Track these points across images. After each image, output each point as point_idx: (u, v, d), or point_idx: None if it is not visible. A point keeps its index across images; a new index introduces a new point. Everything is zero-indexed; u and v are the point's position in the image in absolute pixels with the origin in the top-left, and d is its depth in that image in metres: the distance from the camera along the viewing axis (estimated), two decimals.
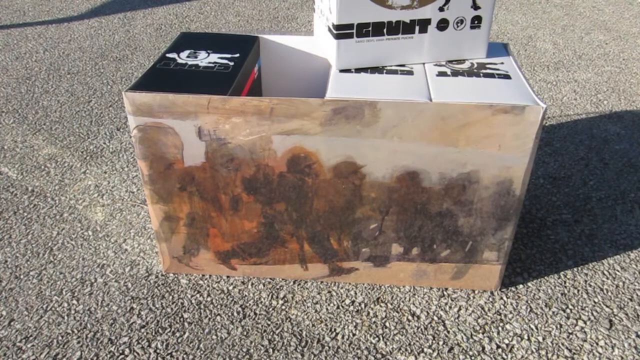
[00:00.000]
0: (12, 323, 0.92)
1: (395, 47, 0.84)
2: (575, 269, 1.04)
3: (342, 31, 0.80)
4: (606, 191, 1.26)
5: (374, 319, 0.93)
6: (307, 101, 0.80)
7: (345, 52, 0.83)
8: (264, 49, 1.08)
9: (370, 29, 0.80)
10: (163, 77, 0.88)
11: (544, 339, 0.90)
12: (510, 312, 0.95)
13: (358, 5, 0.78)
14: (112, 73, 1.84)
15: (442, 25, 0.82)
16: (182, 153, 0.86)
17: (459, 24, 0.82)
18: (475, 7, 0.81)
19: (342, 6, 0.78)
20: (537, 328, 0.92)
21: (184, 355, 0.86)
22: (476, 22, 0.83)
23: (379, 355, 0.87)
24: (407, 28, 0.81)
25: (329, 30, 0.84)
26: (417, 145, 0.82)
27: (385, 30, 0.81)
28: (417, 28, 0.82)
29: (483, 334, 0.91)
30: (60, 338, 0.90)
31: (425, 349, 0.88)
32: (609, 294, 0.99)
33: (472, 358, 0.87)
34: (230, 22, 2.31)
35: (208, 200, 0.91)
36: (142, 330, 0.91)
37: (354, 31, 0.80)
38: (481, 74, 0.86)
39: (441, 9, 0.80)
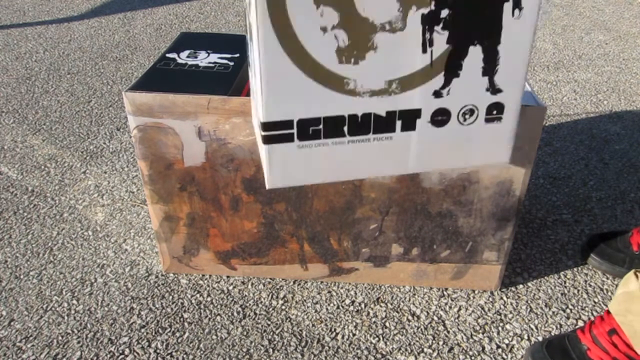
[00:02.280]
0: (12, 323, 0.92)
1: (364, 153, 0.55)
2: (575, 269, 1.04)
3: (274, 132, 0.52)
4: (606, 191, 1.26)
5: (374, 319, 0.93)
6: None
7: (282, 163, 0.55)
8: None
9: (321, 127, 0.52)
10: (163, 77, 0.88)
11: (544, 338, 0.90)
12: (510, 312, 0.95)
13: (299, 91, 0.50)
14: (112, 73, 1.84)
15: (440, 118, 0.54)
16: (182, 153, 0.86)
17: (466, 116, 0.55)
18: (494, 90, 0.54)
19: (273, 94, 0.50)
20: (537, 328, 0.92)
21: (184, 355, 0.87)
22: (495, 112, 0.56)
23: (379, 355, 0.87)
24: (382, 124, 0.53)
25: (257, 124, 0.55)
26: None
27: (346, 129, 0.52)
28: (398, 123, 0.54)
29: (483, 334, 0.91)
30: (60, 338, 0.90)
31: (425, 349, 0.88)
32: (609, 294, 0.99)
33: (472, 358, 0.87)
34: (230, 22, 2.31)
35: (208, 200, 0.91)
36: (142, 330, 0.91)
37: (295, 131, 0.52)
38: None
39: (438, 94, 0.53)
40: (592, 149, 1.42)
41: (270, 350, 0.87)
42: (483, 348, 0.88)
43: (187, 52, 0.97)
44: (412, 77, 0.51)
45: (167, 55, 0.96)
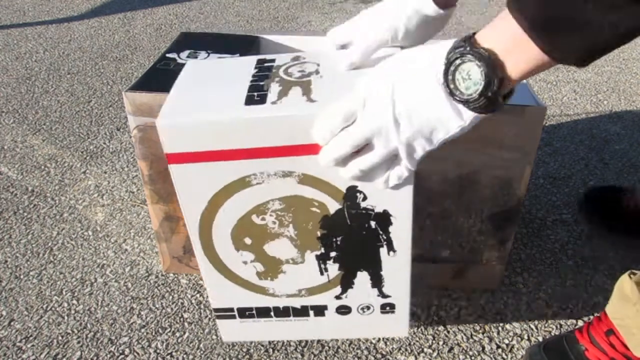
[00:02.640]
0: (12, 323, 0.92)
1: (289, 327, 0.72)
2: (575, 269, 1.04)
3: (221, 313, 0.71)
4: None
5: None
6: None
7: (231, 329, 0.74)
8: (264, 49, 1.08)
9: (254, 312, 0.70)
10: (163, 77, 0.88)
11: (544, 339, 0.90)
12: (511, 312, 0.95)
13: (234, 293, 0.68)
14: (112, 73, 1.84)
15: (343, 310, 0.69)
16: None
17: (365, 309, 0.69)
18: (384, 296, 0.67)
19: (216, 293, 0.69)
20: (537, 328, 0.92)
21: (184, 355, 0.87)
22: (388, 308, 0.68)
23: (379, 355, 0.87)
24: (298, 312, 0.70)
25: None
26: None
27: (272, 314, 0.70)
28: (311, 312, 0.69)
29: (483, 334, 0.91)
30: (60, 338, 0.90)
31: (425, 349, 0.88)
32: (609, 294, 0.98)
33: (472, 358, 0.87)
34: (230, 22, 2.31)
35: None
36: (142, 330, 0.91)
37: (235, 313, 0.71)
38: None
39: (338, 298, 0.68)
40: (592, 149, 1.42)
41: (270, 350, 0.87)
42: (483, 348, 0.88)
43: (187, 52, 0.97)
44: (315, 287, 0.67)
45: (167, 55, 0.96)
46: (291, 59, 0.64)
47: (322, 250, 0.63)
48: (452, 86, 0.47)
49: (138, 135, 0.85)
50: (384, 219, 0.60)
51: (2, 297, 0.97)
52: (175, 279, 1.01)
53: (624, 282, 0.76)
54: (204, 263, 0.65)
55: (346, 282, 0.66)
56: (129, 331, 0.91)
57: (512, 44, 0.45)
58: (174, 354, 0.87)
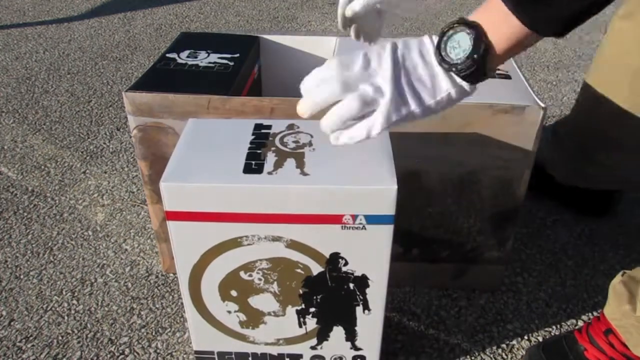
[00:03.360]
0: (12, 323, 0.92)
1: None
2: (575, 269, 1.04)
3: (201, 356, 0.76)
4: None
5: None
6: None
7: None
8: (264, 49, 1.08)
9: (232, 356, 0.75)
10: (163, 77, 0.88)
11: (544, 339, 0.90)
12: (511, 312, 0.95)
13: (217, 339, 0.73)
14: (112, 73, 1.84)
15: (317, 359, 0.75)
16: None
17: None
18: (356, 349, 0.73)
19: (199, 337, 0.74)
20: (537, 328, 0.92)
21: (184, 355, 0.87)
22: (359, 359, 0.75)
23: None
24: (275, 359, 0.76)
25: None
26: (417, 145, 0.82)
27: (250, 359, 0.75)
28: (287, 359, 0.75)
29: (483, 334, 0.91)
30: (60, 338, 0.90)
31: (425, 349, 0.88)
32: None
33: (472, 358, 0.87)
34: (230, 22, 2.31)
35: None
36: (142, 330, 0.91)
37: (215, 357, 0.76)
38: None
39: (313, 348, 0.73)
40: None
41: None
42: (483, 348, 0.88)
43: (187, 52, 0.97)
44: (293, 338, 0.73)
45: (167, 55, 0.96)
46: (286, 126, 0.70)
47: (303, 306, 0.69)
48: (443, 53, 0.53)
49: (138, 135, 0.85)
50: (362, 282, 0.66)
51: (2, 297, 0.97)
52: (175, 279, 1.01)
53: (617, 282, 0.76)
54: (191, 309, 0.70)
55: (322, 335, 0.72)
56: (129, 331, 0.91)
57: (498, 20, 0.51)
58: (174, 354, 0.87)
